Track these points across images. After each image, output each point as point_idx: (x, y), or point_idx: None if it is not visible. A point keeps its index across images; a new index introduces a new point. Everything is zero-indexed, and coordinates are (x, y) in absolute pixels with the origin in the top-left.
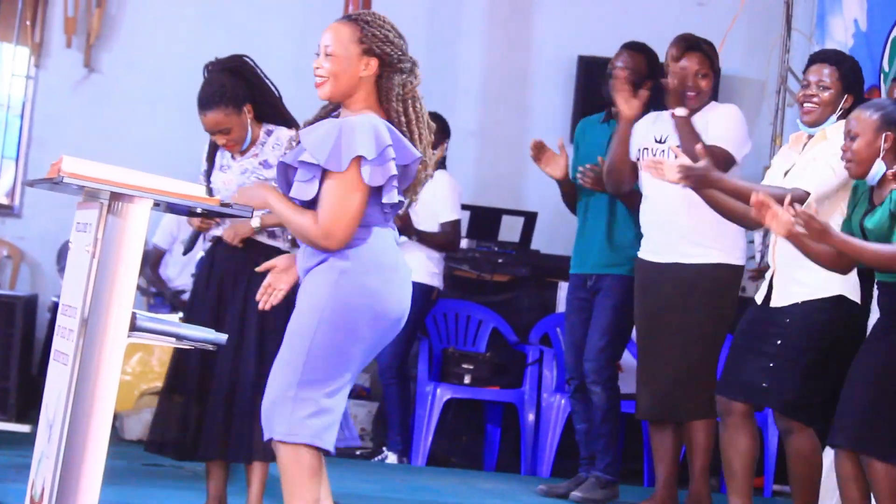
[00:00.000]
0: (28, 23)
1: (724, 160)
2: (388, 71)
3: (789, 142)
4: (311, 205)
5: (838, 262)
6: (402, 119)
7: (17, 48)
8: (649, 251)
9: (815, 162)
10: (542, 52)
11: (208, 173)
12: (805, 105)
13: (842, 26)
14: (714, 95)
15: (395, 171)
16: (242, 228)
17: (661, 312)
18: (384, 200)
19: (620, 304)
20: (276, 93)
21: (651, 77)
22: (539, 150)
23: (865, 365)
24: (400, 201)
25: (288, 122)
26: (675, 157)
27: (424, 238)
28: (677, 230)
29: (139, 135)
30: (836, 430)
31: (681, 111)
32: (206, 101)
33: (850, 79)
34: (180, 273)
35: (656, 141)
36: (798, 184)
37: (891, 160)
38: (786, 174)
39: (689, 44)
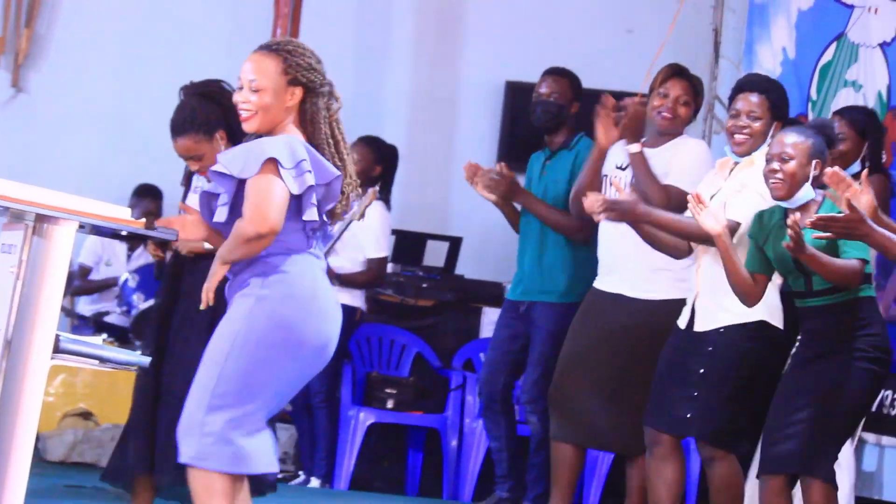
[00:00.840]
0: None
1: (679, 200)
2: (312, 97)
3: (716, 167)
4: (228, 228)
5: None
6: (330, 141)
7: None
8: (600, 279)
9: (743, 189)
10: (470, 77)
11: (185, 197)
12: (736, 136)
13: (770, 54)
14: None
15: (312, 183)
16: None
17: (598, 340)
18: (304, 217)
19: (553, 332)
20: None
21: (576, 100)
22: (472, 172)
23: (800, 390)
24: (324, 223)
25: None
26: (616, 192)
27: (345, 280)
28: (625, 261)
29: (67, 155)
30: (775, 458)
31: (634, 147)
32: (177, 127)
33: (779, 107)
34: (102, 295)
35: (617, 168)
36: (728, 213)
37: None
38: (711, 198)
39: (675, 70)
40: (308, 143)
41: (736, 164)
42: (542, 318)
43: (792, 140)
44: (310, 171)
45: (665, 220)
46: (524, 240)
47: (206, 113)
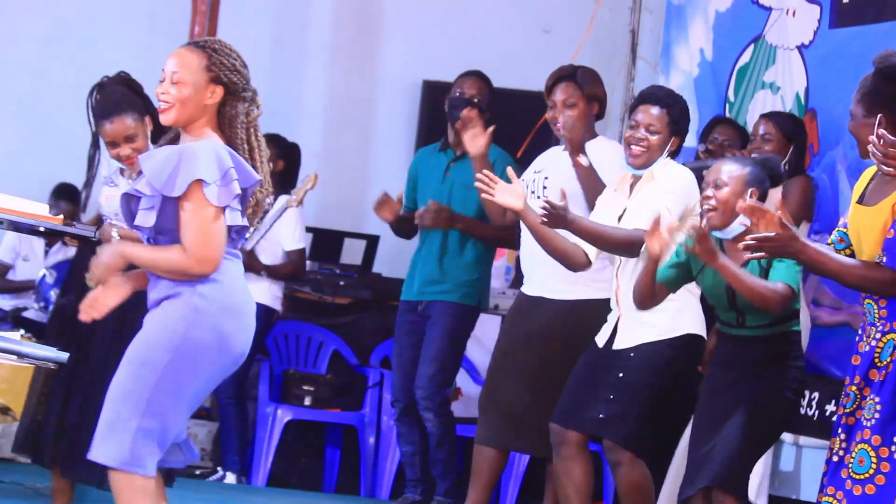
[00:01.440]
0: None
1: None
2: (233, 99)
3: (614, 183)
4: (162, 233)
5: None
6: (245, 146)
7: None
8: (524, 283)
9: (648, 203)
10: (387, 75)
11: (87, 196)
12: (633, 147)
13: (687, 55)
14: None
15: (238, 191)
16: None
17: (522, 343)
18: (228, 222)
19: (451, 330)
20: None
21: (491, 104)
22: (383, 203)
23: (725, 411)
24: (243, 226)
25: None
26: (562, 197)
27: (272, 272)
28: (542, 265)
29: None
30: (700, 473)
31: (584, 160)
32: (110, 109)
33: (679, 123)
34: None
35: (534, 172)
36: (638, 226)
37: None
38: (619, 219)
39: (557, 77)
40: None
41: (635, 179)
42: (439, 315)
43: (728, 168)
44: (237, 180)
45: (588, 228)
46: (424, 238)
47: (134, 96)
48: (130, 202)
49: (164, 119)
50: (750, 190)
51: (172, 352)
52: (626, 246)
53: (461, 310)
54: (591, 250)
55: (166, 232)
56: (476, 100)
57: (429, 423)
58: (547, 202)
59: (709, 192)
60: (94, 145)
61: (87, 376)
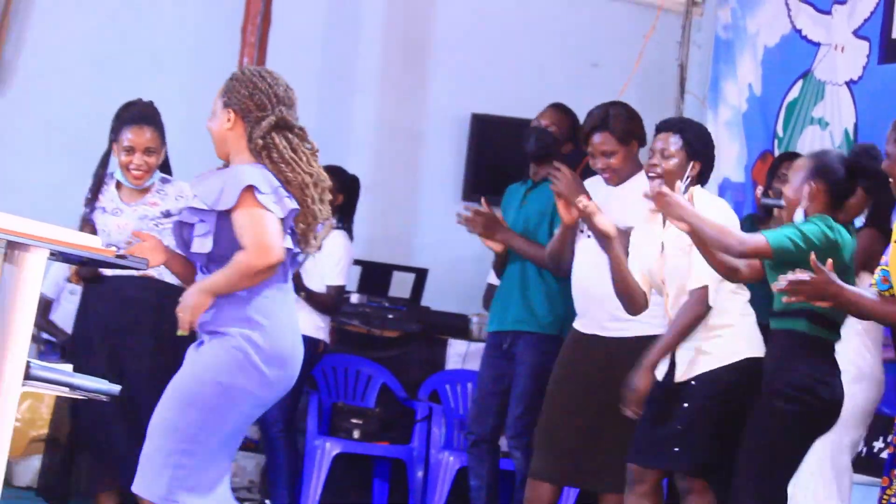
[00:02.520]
0: None
1: None
2: (248, 122)
3: (648, 214)
4: (210, 258)
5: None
6: (282, 166)
7: None
8: (577, 319)
9: (691, 250)
10: (436, 108)
11: (88, 215)
12: (648, 175)
13: (736, 90)
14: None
15: (294, 206)
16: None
17: (578, 380)
18: (284, 244)
19: (534, 365)
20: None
21: (570, 141)
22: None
23: (750, 440)
24: (295, 252)
25: (169, 172)
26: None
27: (311, 298)
28: (597, 302)
29: (31, 181)
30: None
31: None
32: (145, 116)
33: (694, 146)
34: (71, 321)
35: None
36: (689, 282)
37: (812, 212)
38: (661, 253)
39: (593, 124)
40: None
41: None
42: (523, 353)
43: (795, 165)
44: (288, 196)
45: (702, 219)
46: (507, 275)
47: (160, 120)
48: (183, 230)
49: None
50: (808, 185)
51: (219, 396)
52: (733, 239)
53: (544, 342)
54: (647, 290)
55: (219, 260)
56: (551, 130)
57: (516, 461)
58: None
59: (654, 160)
60: (103, 165)
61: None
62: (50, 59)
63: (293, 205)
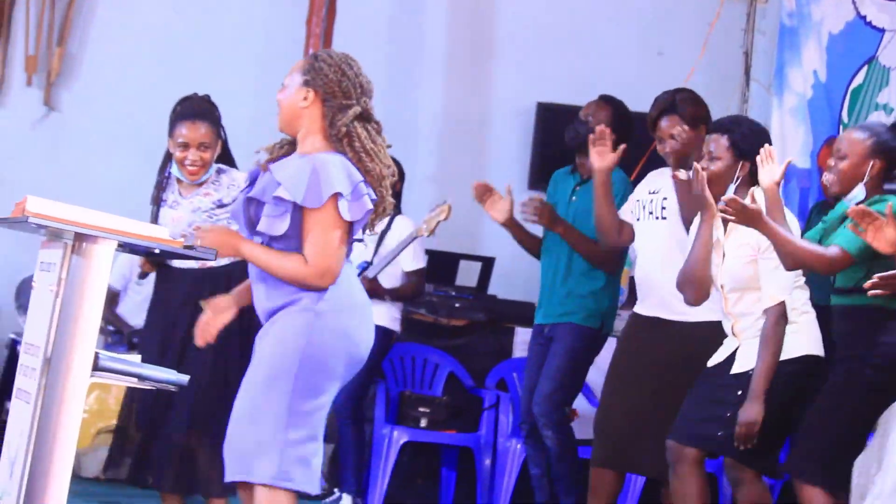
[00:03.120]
0: None
1: None
2: (330, 107)
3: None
4: (277, 240)
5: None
6: (363, 156)
7: None
8: (638, 304)
9: (758, 254)
10: (502, 98)
11: (156, 213)
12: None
13: (801, 77)
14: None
15: (370, 206)
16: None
17: (637, 364)
18: (356, 237)
19: (571, 349)
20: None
21: (616, 132)
22: (482, 192)
23: (820, 400)
24: (360, 241)
25: (233, 165)
26: (752, 199)
27: (394, 295)
28: (660, 286)
29: (98, 174)
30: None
31: (682, 173)
32: (199, 112)
33: (741, 146)
34: (136, 313)
35: (650, 192)
36: (764, 301)
37: (871, 188)
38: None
39: (661, 108)
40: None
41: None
42: (561, 335)
43: (848, 136)
44: (367, 195)
45: (781, 237)
46: (549, 263)
47: (217, 115)
48: (250, 207)
49: (278, 123)
50: (871, 162)
51: (300, 360)
52: (815, 260)
53: (583, 331)
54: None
55: (282, 240)
56: (588, 121)
57: (548, 440)
58: (734, 200)
59: (830, 161)
60: (166, 161)
61: (189, 394)
62: (115, 53)
63: (370, 205)
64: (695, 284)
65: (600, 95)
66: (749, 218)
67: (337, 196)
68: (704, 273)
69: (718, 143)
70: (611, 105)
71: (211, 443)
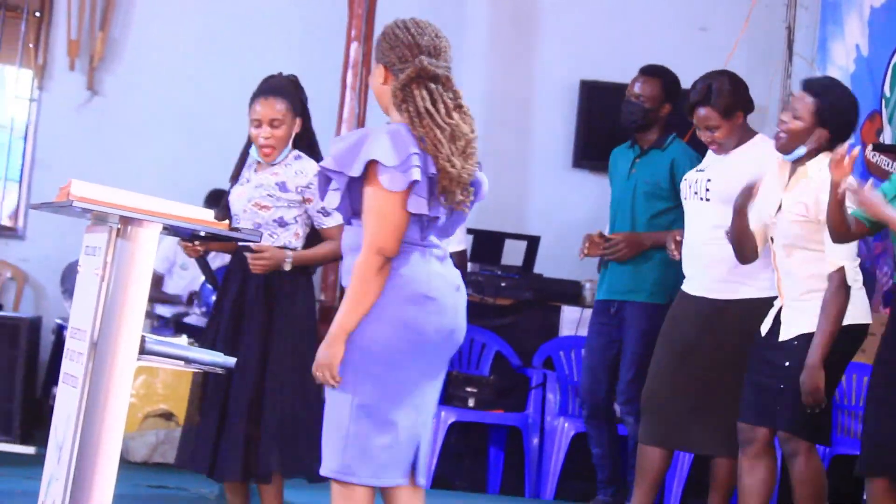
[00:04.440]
0: (31, 45)
1: None
2: (392, 77)
3: (777, 168)
4: (346, 209)
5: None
6: (416, 121)
7: (21, 70)
8: (686, 282)
9: (813, 219)
10: (545, 76)
11: (229, 190)
12: (778, 133)
13: (843, 51)
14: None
15: (417, 177)
16: (275, 263)
17: (684, 342)
18: (409, 209)
19: (645, 332)
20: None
21: (668, 101)
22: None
23: (884, 389)
24: (434, 217)
25: (316, 155)
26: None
27: None
28: (704, 265)
29: (141, 157)
30: (879, 460)
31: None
32: (273, 88)
33: (825, 113)
34: (181, 297)
35: (697, 171)
36: (827, 265)
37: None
38: (776, 213)
39: (696, 100)
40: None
41: (793, 169)
42: (632, 318)
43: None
44: (417, 166)
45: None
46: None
47: (297, 93)
48: (327, 182)
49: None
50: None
51: (358, 354)
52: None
53: (652, 309)
54: (761, 242)
55: (360, 216)
56: (641, 101)
57: (628, 426)
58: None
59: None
60: (249, 143)
61: (238, 379)
62: (157, 36)
63: (416, 176)
64: (737, 246)
65: (641, 69)
66: (867, 205)
67: (376, 164)
68: (743, 235)
69: (804, 103)
70: (657, 77)
71: (267, 429)
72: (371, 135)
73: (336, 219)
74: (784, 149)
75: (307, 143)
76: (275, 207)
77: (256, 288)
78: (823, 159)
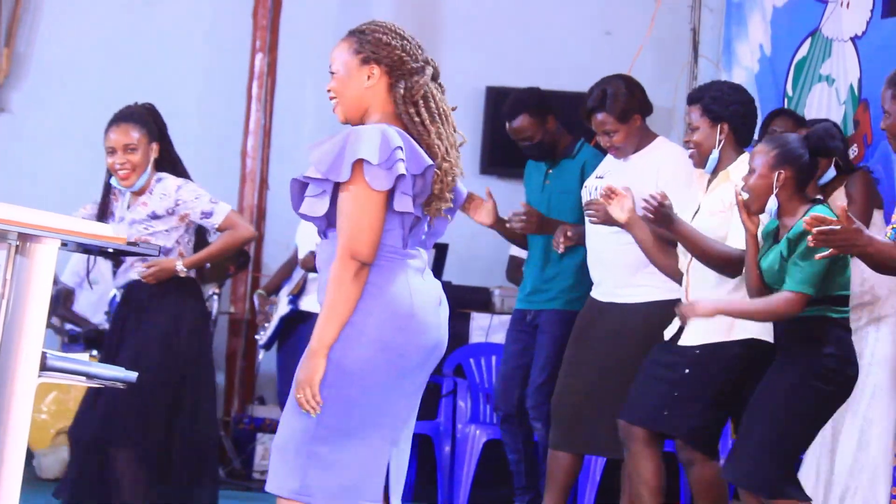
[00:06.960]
0: None
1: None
2: (394, 77)
3: (696, 178)
4: (329, 222)
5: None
6: (416, 120)
7: None
8: (594, 289)
9: (726, 209)
10: (451, 82)
11: (103, 210)
12: (687, 147)
13: (748, 52)
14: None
15: (402, 171)
16: (165, 273)
17: (591, 347)
18: (396, 207)
19: (557, 338)
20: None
21: (546, 117)
22: (466, 201)
23: (764, 402)
24: (418, 217)
25: (179, 173)
26: (664, 197)
27: None
28: (607, 270)
29: (50, 174)
30: (739, 475)
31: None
32: (125, 115)
33: (713, 110)
34: (94, 311)
35: (596, 177)
36: (733, 242)
37: (785, 198)
38: (694, 216)
39: (590, 107)
40: (403, 131)
41: (711, 177)
42: (546, 324)
43: (757, 149)
44: (402, 161)
45: (691, 236)
46: (530, 249)
47: (151, 118)
48: (302, 190)
49: (338, 116)
50: (776, 173)
51: (332, 374)
52: (724, 262)
53: (568, 316)
54: (683, 263)
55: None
56: (523, 140)
57: (537, 432)
58: (653, 198)
59: (745, 176)
60: (109, 174)
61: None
62: (62, 51)
63: (402, 170)
64: (665, 273)
65: (507, 110)
66: (662, 218)
67: (362, 163)
68: (662, 263)
69: (693, 113)
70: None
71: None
72: (352, 135)
73: (222, 209)
74: (700, 164)
75: (171, 167)
76: (154, 239)
77: (124, 301)
78: (744, 159)
